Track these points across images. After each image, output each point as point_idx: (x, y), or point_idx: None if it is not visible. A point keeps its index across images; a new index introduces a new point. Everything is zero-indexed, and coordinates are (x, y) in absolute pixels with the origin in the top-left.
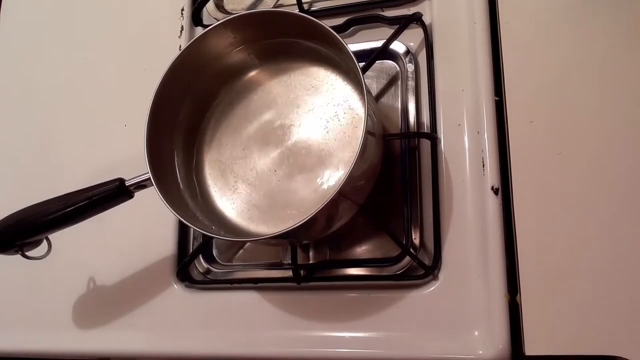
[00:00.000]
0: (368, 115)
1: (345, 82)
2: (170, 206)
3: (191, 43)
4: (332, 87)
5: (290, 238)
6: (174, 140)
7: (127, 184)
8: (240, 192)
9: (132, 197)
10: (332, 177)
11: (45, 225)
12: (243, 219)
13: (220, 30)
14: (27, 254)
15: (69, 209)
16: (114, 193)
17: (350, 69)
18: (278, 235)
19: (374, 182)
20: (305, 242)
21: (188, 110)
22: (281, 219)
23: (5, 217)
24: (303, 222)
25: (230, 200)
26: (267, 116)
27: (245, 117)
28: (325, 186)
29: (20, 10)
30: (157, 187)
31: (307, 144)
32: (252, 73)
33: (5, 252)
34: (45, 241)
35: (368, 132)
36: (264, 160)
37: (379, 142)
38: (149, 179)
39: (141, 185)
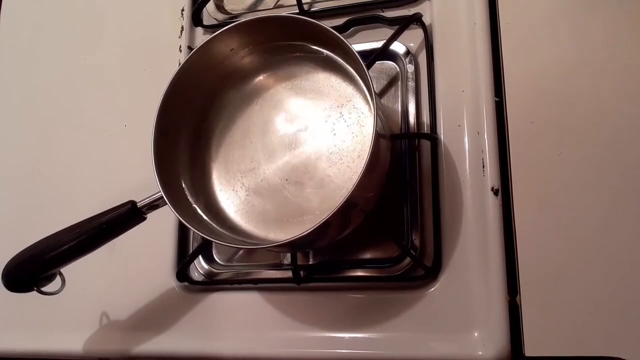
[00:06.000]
0: (377, 115)
1: (347, 83)
2: (189, 224)
3: (193, 53)
4: (333, 88)
5: (303, 244)
6: (179, 156)
7: (139, 205)
8: (254, 204)
9: (144, 219)
10: (345, 179)
11: (60, 259)
12: (260, 230)
13: (221, 39)
14: (43, 289)
15: (82, 238)
16: (126, 216)
17: (351, 69)
18: (294, 239)
19: (384, 184)
20: (312, 249)
21: (191, 123)
22: (298, 225)
23: (19, 254)
24: (316, 227)
25: (244, 213)
26: (271, 125)
27: (249, 127)
28: (338, 189)
29: (20, 10)
30: (171, 205)
31: (315, 148)
32: (254, 80)
33: (23, 291)
34: (58, 275)
35: (378, 133)
36: (273, 170)
37: (388, 142)
38: (161, 197)
39: (153, 205)
